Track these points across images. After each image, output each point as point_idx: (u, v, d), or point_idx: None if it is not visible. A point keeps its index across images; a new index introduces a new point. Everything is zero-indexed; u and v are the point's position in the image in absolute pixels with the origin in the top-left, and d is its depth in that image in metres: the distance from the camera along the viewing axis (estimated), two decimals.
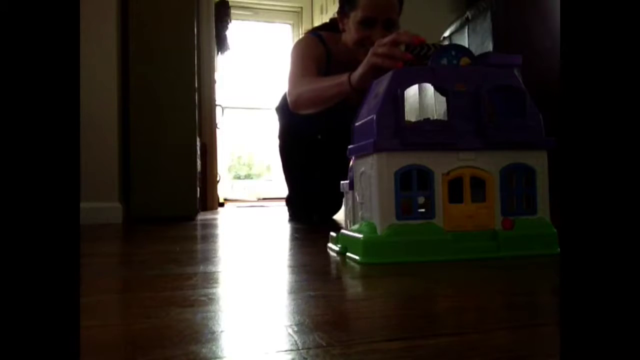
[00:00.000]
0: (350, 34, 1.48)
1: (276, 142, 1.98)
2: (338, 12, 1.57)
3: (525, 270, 0.76)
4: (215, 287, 0.65)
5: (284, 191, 2.49)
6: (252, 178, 5.33)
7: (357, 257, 0.85)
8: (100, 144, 2.09)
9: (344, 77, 1.27)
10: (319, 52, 1.57)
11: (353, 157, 0.97)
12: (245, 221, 2.05)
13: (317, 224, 1.73)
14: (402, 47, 1.06)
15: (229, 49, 3.97)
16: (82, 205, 1.84)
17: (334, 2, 3.85)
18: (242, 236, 1.42)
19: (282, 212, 2.56)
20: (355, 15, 1.44)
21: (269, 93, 4.81)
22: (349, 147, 0.96)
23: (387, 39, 1.09)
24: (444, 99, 0.90)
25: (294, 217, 2.00)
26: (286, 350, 0.38)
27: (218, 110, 3.68)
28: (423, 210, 0.85)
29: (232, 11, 4.06)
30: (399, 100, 0.85)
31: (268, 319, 0.49)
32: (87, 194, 1.96)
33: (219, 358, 0.37)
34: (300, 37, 1.69)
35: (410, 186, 0.83)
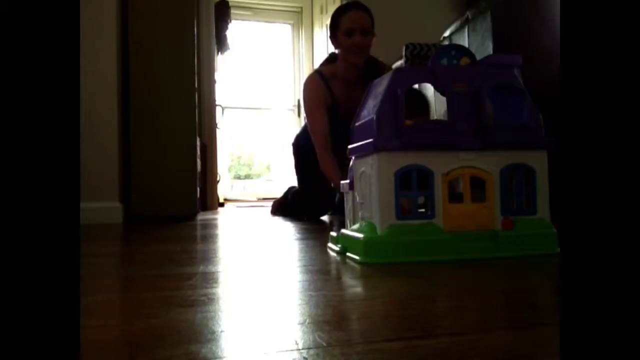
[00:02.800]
0: (340, 47, 1.98)
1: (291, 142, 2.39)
2: (330, 38, 2.03)
3: (525, 270, 0.76)
4: (215, 287, 0.65)
5: (283, 191, 2.51)
6: (252, 178, 5.33)
7: (357, 257, 0.85)
8: (100, 144, 2.09)
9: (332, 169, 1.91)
10: (321, 90, 2.05)
11: (353, 157, 0.97)
12: (245, 221, 2.05)
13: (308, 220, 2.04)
14: (403, 47, 1.11)
15: (229, 49, 3.97)
16: (82, 205, 1.84)
17: (333, 2, 3.85)
18: (242, 236, 1.42)
19: None
20: (340, 31, 1.95)
21: (268, 93, 4.81)
22: (349, 147, 0.96)
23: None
24: (444, 99, 0.90)
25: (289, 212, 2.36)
26: (286, 350, 0.38)
27: (218, 110, 3.67)
28: (423, 210, 0.85)
29: (232, 11, 4.05)
30: (399, 100, 0.85)
31: (268, 319, 0.49)
32: (87, 194, 1.96)
33: (219, 358, 0.37)
34: (308, 76, 2.15)
35: (410, 186, 0.83)
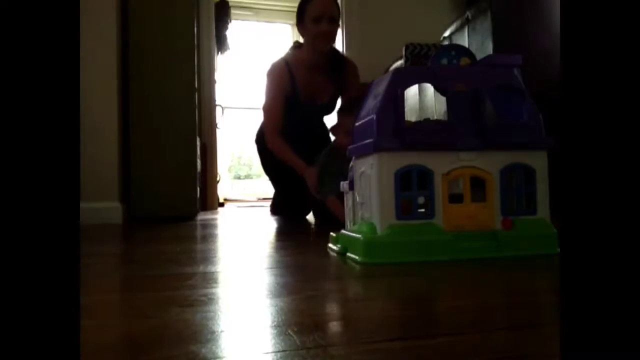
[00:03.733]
0: (307, 34, 1.99)
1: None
2: (297, 25, 2.05)
3: (525, 270, 0.76)
4: (215, 287, 0.65)
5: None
6: (252, 178, 5.32)
7: (357, 257, 0.85)
8: (100, 144, 2.09)
9: (303, 166, 1.86)
10: (284, 78, 2.06)
11: (353, 157, 0.97)
12: (245, 221, 2.05)
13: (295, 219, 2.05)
14: (403, 47, 1.11)
15: (229, 49, 3.97)
16: (82, 205, 1.84)
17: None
18: (242, 236, 1.42)
19: None
20: (308, 18, 1.96)
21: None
22: (349, 147, 0.96)
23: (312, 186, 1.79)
24: (444, 99, 0.90)
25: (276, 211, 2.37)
26: (286, 350, 0.38)
27: (218, 110, 3.67)
28: (423, 210, 0.85)
29: (232, 11, 4.05)
30: (399, 100, 0.85)
31: (268, 319, 0.49)
32: (87, 194, 1.96)
33: (219, 358, 0.37)
34: (274, 64, 2.11)
35: (410, 186, 0.83)
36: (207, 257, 0.98)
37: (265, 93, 2.08)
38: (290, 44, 2.28)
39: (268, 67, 2.11)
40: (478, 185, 0.86)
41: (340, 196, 1.83)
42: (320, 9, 1.95)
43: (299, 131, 2.06)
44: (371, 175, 0.86)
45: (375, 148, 0.83)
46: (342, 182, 1.05)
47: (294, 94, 2.06)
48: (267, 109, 2.06)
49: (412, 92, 2.57)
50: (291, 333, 0.43)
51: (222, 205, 3.76)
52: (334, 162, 1.85)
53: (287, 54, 2.16)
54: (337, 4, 2.02)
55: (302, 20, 2.00)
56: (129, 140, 2.26)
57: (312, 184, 1.80)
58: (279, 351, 0.38)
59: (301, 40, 2.12)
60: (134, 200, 2.25)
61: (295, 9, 2.06)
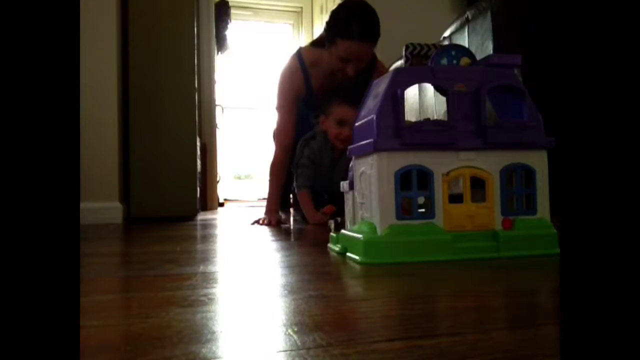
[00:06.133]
0: (331, 57, 1.81)
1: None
2: (325, 31, 1.85)
3: (525, 270, 0.76)
4: (215, 287, 0.65)
5: None
6: (252, 178, 5.33)
7: (357, 257, 0.85)
8: (100, 144, 2.09)
9: (269, 208, 1.88)
10: (298, 81, 1.93)
11: (353, 157, 0.97)
12: (245, 221, 2.05)
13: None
14: (403, 47, 1.10)
15: (228, 48, 3.98)
16: (82, 205, 1.84)
17: (334, 2, 3.85)
18: (242, 237, 1.42)
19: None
20: (335, 49, 1.76)
21: (269, 93, 4.81)
22: (349, 147, 0.96)
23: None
24: (444, 99, 0.90)
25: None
26: (286, 350, 0.38)
27: (218, 110, 3.68)
28: (423, 210, 0.85)
29: (232, 11, 4.06)
30: (399, 100, 0.85)
31: (268, 319, 0.49)
32: (87, 194, 1.96)
33: (219, 358, 0.37)
34: (287, 63, 1.97)
35: (410, 186, 0.83)
36: (207, 257, 0.98)
37: (278, 102, 1.98)
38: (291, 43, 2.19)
39: (282, 65, 1.98)
40: (478, 185, 0.86)
41: (312, 191, 1.85)
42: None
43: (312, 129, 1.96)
44: (371, 175, 0.86)
45: (375, 148, 0.83)
46: (342, 182, 1.05)
47: (309, 95, 1.94)
48: (280, 127, 1.97)
49: (412, 92, 2.57)
50: (291, 333, 0.43)
51: (222, 205, 3.76)
52: (302, 153, 1.86)
53: (303, 49, 1.98)
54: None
55: (330, 39, 1.79)
56: (129, 140, 2.26)
57: (267, 221, 1.82)
58: (279, 351, 0.38)
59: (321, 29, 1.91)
60: (134, 200, 2.25)
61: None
